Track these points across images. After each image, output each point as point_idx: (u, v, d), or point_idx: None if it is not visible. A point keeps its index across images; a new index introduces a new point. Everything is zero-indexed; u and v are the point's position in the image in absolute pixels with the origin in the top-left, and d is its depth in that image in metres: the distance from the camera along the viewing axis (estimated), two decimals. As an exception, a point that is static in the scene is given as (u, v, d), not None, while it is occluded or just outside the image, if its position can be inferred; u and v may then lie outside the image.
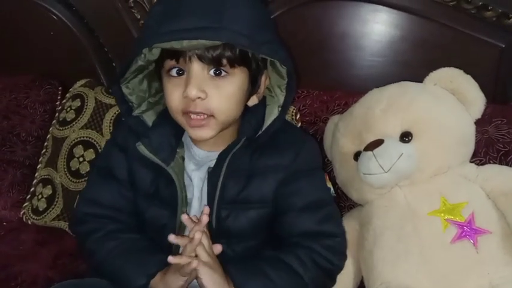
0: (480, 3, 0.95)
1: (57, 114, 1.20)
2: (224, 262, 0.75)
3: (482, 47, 0.98)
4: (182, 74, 0.72)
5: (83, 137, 1.12)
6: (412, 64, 1.02)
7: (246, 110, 0.78)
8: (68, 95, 1.20)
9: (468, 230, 0.72)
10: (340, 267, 0.78)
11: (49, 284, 0.90)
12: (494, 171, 0.79)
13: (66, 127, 1.15)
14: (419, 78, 0.87)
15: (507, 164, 0.84)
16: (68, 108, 1.17)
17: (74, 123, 1.14)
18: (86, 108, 1.14)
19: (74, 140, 1.12)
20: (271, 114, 0.78)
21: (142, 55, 0.73)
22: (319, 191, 0.80)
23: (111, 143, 0.87)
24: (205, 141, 0.78)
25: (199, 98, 0.70)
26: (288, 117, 1.00)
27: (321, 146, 0.96)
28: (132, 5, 1.17)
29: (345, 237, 0.79)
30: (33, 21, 1.30)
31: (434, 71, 0.85)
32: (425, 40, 1.01)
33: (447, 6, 0.97)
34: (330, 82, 1.08)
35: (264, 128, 0.78)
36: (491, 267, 0.70)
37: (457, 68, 0.85)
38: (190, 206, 0.80)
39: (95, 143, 1.11)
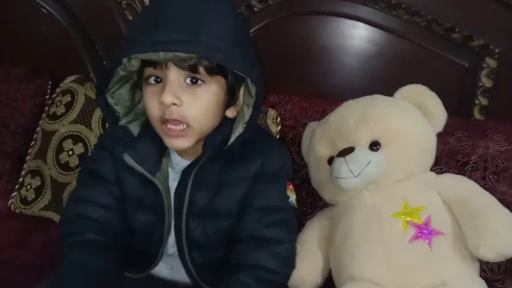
0: (448, 25, 0.98)
1: (46, 108, 1.19)
2: (196, 269, 0.78)
3: (449, 66, 1.01)
4: (160, 81, 0.72)
5: (72, 131, 1.12)
6: (384, 78, 1.04)
7: (226, 120, 0.78)
8: (58, 90, 1.19)
9: (425, 231, 0.74)
10: (286, 275, 0.79)
11: (40, 270, 0.91)
12: (450, 181, 0.82)
13: (56, 121, 1.14)
14: (390, 92, 0.89)
15: (465, 173, 0.86)
16: (58, 103, 1.16)
17: (63, 117, 1.14)
18: (75, 104, 1.14)
19: (63, 134, 1.12)
20: (237, 131, 0.77)
21: (123, 65, 0.74)
22: (278, 197, 0.79)
23: (99, 147, 0.86)
24: (185, 150, 0.78)
25: (174, 104, 0.70)
26: (269, 121, 1.02)
27: (298, 150, 0.98)
28: (125, 6, 1.18)
29: (294, 245, 0.79)
30: (25, 16, 1.28)
31: (403, 87, 0.88)
32: (398, 56, 1.03)
33: (419, 26, 1.00)
34: (310, 90, 1.09)
35: (229, 143, 0.77)
36: (443, 265, 0.73)
37: (425, 83, 0.88)
38: (171, 216, 0.80)
39: (84, 137, 1.11)
